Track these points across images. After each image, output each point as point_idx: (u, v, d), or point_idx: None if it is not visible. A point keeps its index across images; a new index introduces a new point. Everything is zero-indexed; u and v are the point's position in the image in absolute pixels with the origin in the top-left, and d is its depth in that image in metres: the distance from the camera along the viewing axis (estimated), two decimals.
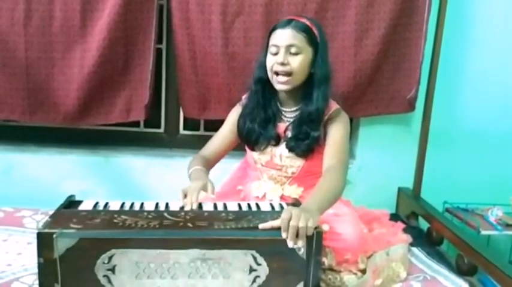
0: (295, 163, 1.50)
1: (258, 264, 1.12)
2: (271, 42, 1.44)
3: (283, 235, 1.11)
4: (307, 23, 1.43)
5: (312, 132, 1.44)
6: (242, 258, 1.12)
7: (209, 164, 1.55)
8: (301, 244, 1.11)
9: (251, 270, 1.13)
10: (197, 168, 1.47)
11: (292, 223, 1.10)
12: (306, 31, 1.41)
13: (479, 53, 1.97)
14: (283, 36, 1.41)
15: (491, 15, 1.93)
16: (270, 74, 1.45)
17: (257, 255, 1.12)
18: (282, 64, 1.40)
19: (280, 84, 1.44)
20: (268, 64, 1.44)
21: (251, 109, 1.52)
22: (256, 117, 1.50)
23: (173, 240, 1.11)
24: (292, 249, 1.11)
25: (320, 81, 1.44)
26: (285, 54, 1.40)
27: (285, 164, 1.51)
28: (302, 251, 1.12)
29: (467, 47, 1.96)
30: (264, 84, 1.49)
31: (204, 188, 1.35)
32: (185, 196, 1.32)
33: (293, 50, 1.40)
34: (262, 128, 1.50)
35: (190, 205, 1.28)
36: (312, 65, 1.44)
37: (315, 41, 1.43)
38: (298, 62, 1.41)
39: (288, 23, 1.42)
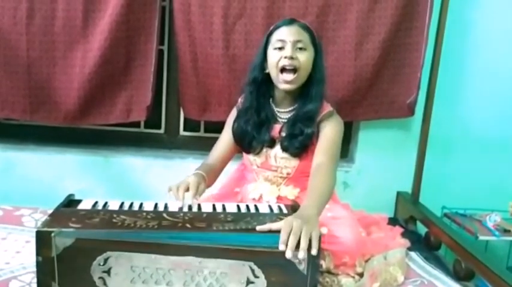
0: (290, 164, 1.50)
1: (256, 276, 1.09)
2: (276, 37, 1.45)
3: (281, 248, 1.05)
4: (307, 25, 1.48)
5: (306, 129, 1.45)
6: (239, 269, 1.09)
7: (213, 170, 1.50)
8: (301, 256, 1.05)
9: (248, 282, 1.09)
10: (196, 171, 1.43)
11: (292, 237, 1.05)
12: (309, 31, 1.46)
13: (479, 59, 1.97)
14: (290, 32, 1.43)
15: (491, 20, 1.94)
16: (274, 72, 1.44)
17: (255, 267, 1.08)
18: (291, 58, 1.40)
19: (285, 83, 1.43)
20: (274, 59, 1.43)
21: (245, 111, 1.52)
22: (250, 120, 1.51)
23: (169, 246, 1.09)
24: (292, 263, 1.06)
25: (319, 81, 1.46)
26: (293, 49, 1.41)
27: (280, 165, 1.51)
28: (303, 267, 1.07)
29: (468, 52, 1.97)
30: (258, 85, 1.50)
31: (191, 188, 1.33)
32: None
33: (300, 45, 1.42)
34: (256, 131, 1.50)
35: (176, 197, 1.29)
36: (313, 65, 1.46)
37: (316, 43, 1.47)
38: (305, 58, 1.43)
39: (292, 21, 1.46)
